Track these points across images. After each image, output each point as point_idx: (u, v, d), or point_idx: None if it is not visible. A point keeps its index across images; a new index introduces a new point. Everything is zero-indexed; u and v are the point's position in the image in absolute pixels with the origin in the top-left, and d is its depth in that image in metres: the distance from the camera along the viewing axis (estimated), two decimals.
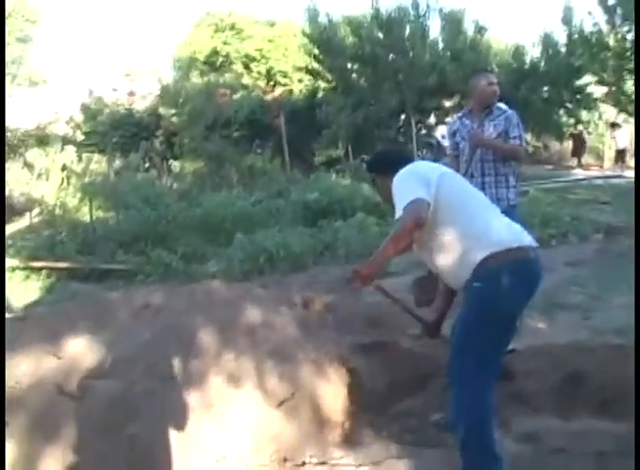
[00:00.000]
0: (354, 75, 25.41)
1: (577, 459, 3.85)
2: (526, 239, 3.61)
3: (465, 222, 3.58)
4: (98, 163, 21.50)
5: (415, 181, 3.61)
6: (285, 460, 3.87)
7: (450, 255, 3.59)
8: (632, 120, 22.91)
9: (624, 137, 26.24)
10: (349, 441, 4.17)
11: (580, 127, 27.72)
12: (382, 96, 23.72)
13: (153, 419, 3.81)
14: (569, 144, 29.91)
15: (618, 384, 4.49)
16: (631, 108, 20.34)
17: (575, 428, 4.16)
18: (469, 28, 25.20)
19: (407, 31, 24.08)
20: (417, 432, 4.24)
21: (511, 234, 3.58)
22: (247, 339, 4.51)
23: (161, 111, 22.83)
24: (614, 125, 27.11)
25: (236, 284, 6.62)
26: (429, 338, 4.34)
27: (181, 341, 4.44)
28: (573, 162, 29.21)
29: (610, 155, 27.84)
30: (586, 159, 29.47)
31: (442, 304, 4.23)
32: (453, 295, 4.12)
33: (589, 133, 29.77)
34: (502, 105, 5.73)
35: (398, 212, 3.54)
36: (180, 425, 3.81)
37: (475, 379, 3.50)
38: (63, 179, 17.89)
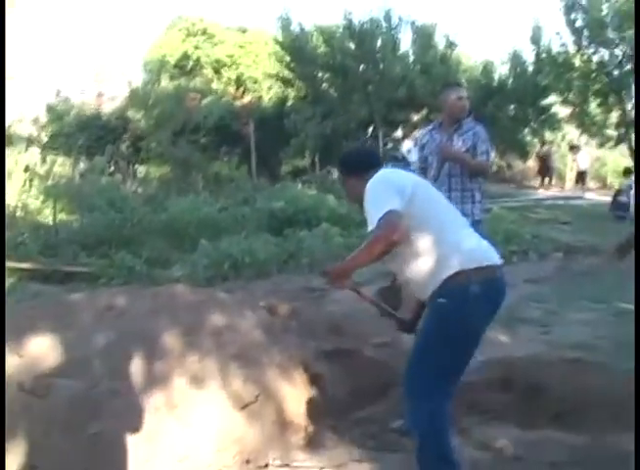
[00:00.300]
0: (324, 85, 25.51)
1: (533, 468, 3.93)
2: (495, 257, 3.60)
3: (437, 235, 3.54)
4: (63, 165, 21.31)
5: (390, 190, 3.55)
6: (247, 462, 3.90)
7: (419, 266, 3.55)
8: (594, 142, 23.24)
9: (585, 159, 26.61)
10: (312, 444, 4.21)
11: (546, 148, 28.10)
12: (351, 107, 23.83)
13: (115, 418, 3.81)
14: (532, 163, 30.24)
15: (575, 396, 4.59)
16: (594, 129, 20.67)
17: (532, 438, 4.25)
18: (439, 43, 25.47)
19: (379, 43, 24.24)
20: (378, 437, 4.30)
21: (481, 251, 3.57)
22: (211, 341, 4.53)
23: (130, 114, 22.71)
24: (572, 148, 27.49)
25: (200, 289, 6.63)
26: (406, 333, 4.31)
27: (145, 342, 4.44)
28: (536, 181, 29.50)
29: (571, 176, 28.16)
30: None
31: (416, 305, 4.22)
32: None
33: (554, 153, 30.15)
34: (471, 120, 5.79)
35: (372, 221, 3.46)
36: (143, 425, 3.82)
37: (433, 390, 3.50)
38: (25, 181, 17.70)
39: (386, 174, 3.75)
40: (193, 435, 3.86)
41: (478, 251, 3.56)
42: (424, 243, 3.53)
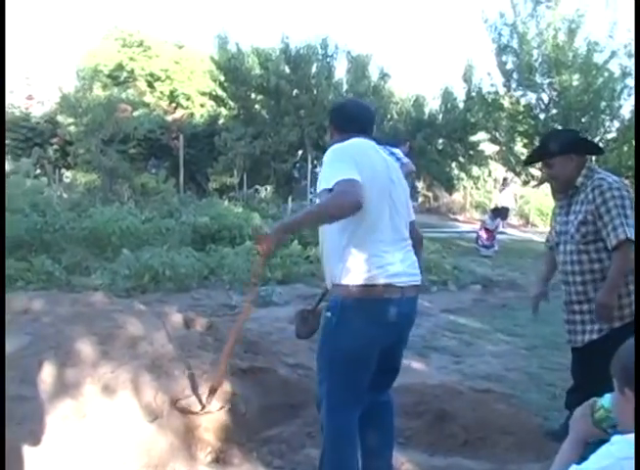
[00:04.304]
0: (257, 106, 25.57)
1: None
2: (409, 277, 3.48)
3: (368, 233, 3.39)
4: None
5: (351, 163, 3.30)
6: None
7: (337, 252, 3.44)
8: (518, 181, 23.70)
9: (509, 196, 27.16)
10: (219, 460, 4.20)
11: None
12: (282, 129, 23.93)
13: (21, 425, 3.76)
14: (457, 196, 30.78)
15: (483, 425, 4.70)
16: (518, 168, 21.13)
17: (439, 464, 4.32)
18: (373, 73, 25.84)
19: (313, 69, 24.50)
20: (285, 457, 4.31)
21: (387, 268, 3.39)
22: (125, 351, 4.51)
23: (59, 118, 22.38)
24: (504, 181, 28.04)
25: (118, 299, 6.58)
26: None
27: (58, 349, 4.40)
28: (461, 214, 30.01)
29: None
30: (472, 213, 30.40)
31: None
32: None
33: (477, 189, 30.77)
34: (398, 151, 5.85)
35: (328, 184, 3.25)
36: (50, 432, 3.78)
37: (337, 401, 3.53)
38: None
39: (350, 151, 3.42)
40: (100, 445, 3.83)
41: (379, 267, 3.37)
42: (356, 233, 3.39)
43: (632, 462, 1.78)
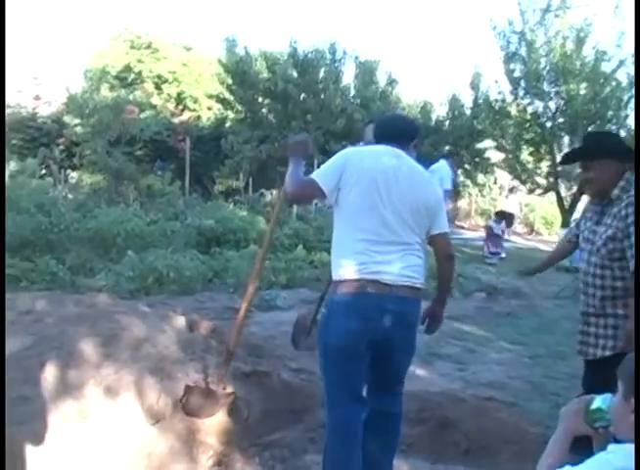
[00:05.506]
0: (264, 110, 25.54)
1: None
2: (402, 277, 3.57)
3: (349, 232, 3.63)
4: None
5: (334, 167, 3.69)
6: None
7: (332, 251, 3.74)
8: (523, 188, 23.69)
9: (514, 204, 27.15)
10: (221, 464, 4.18)
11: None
12: (289, 133, 23.86)
13: (23, 425, 3.76)
14: (463, 203, 30.72)
15: (485, 433, 4.69)
16: (524, 176, 21.11)
17: None
18: (381, 79, 25.79)
19: (321, 74, 24.46)
20: (288, 462, 4.30)
21: (372, 265, 3.54)
22: (129, 353, 4.50)
23: (66, 119, 22.35)
24: (512, 190, 28.01)
25: (122, 300, 6.57)
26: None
27: (61, 350, 4.40)
28: (466, 221, 29.96)
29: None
30: (477, 220, 30.34)
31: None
32: None
33: (483, 196, 30.73)
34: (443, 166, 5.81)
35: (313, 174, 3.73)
36: (52, 433, 3.77)
37: (334, 398, 3.65)
38: None
39: (348, 153, 3.81)
40: (102, 447, 3.82)
41: (364, 263, 3.54)
42: (336, 232, 3.73)
43: None
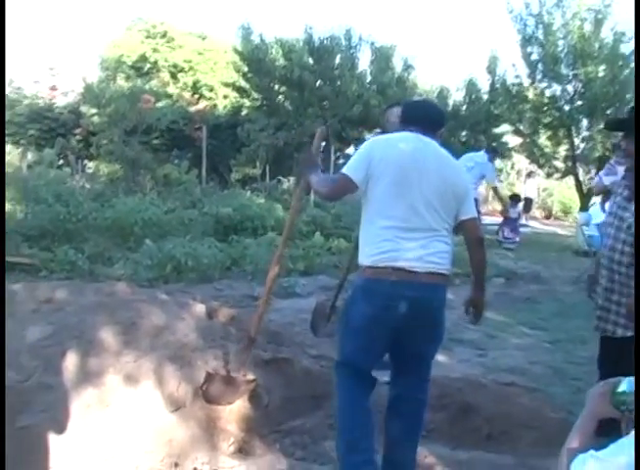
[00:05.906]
0: (280, 97, 25.48)
1: None
2: (427, 264, 3.62)
3: (369, 219, 3.69)
4: (10, 154, 20.98)
5: (361, 159, 3.70)
6: (176, 465, 3.87)
7: (364, 232, 3.74)
8: (541, 172, 23.59)
9: (533, 188, 27.01)
10: (242, 451, 4.20)
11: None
12: (305, 121, 23.85)
13: (44, 413, 3.78)
14: (480, 188, 30.56)
15: (506, 419, 4.67)
16: (542, 160, 20.97)
17: (461, 457, 4.30)
18: (397, 65, 25.64)
19: (337, 60, 24.36)
20: (308, 448, 4.31)
21: (393, 253, 3.56)
22: (148, 341, 4.50)
23: (83, 109, 22.40)
24: (530, 174, 27.87)
25: (141, 289, 6.58)
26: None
27: (81, 338, 4.41)
28: (483, 207, 29.83)
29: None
30: (494, 205, 30.21)
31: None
32: None
33: (500, 181, 30.58)
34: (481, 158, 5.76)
35: (342, 170, 3.75)
36: (73, 421, 3.79)
37: (342, 387, 3.70)
38: None
39: (374, 143, 3.85)
40: (123, 435, 3.83)
41: (389, 251, 3.56)
42: (363, 219, 3.74)
43: None
